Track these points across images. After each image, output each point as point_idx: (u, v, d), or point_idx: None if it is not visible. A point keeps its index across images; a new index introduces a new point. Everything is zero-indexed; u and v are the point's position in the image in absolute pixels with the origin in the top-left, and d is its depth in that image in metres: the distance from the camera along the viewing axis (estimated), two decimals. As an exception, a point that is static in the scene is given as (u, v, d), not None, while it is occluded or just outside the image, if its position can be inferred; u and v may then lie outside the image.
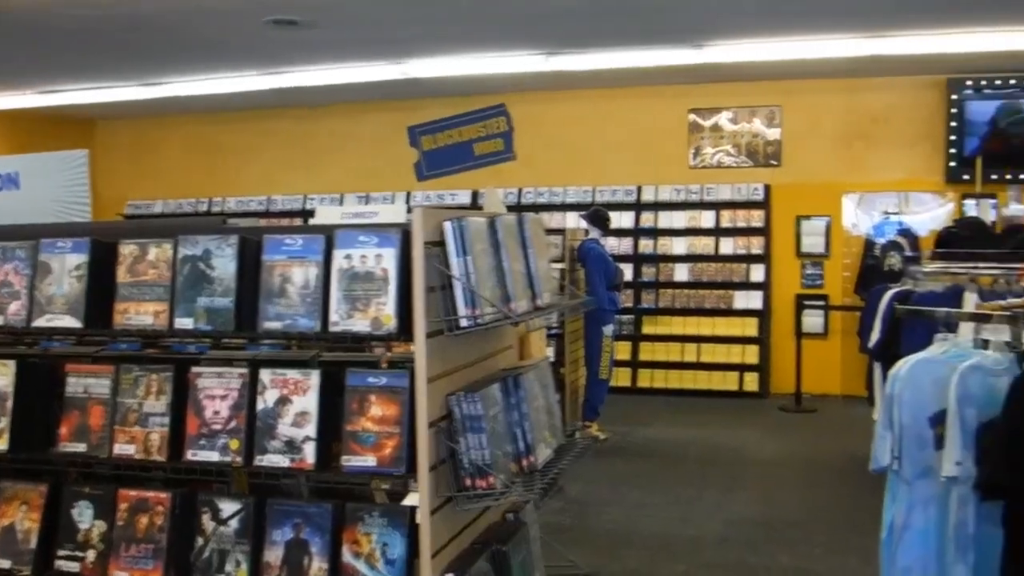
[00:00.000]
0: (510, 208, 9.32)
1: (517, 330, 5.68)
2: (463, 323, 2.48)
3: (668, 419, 8.76)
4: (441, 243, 2.51)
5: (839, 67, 9.09)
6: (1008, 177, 9.30)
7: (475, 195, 10.45)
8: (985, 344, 3.25)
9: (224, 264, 2.67)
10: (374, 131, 11.22)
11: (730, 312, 9.94)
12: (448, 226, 2.51)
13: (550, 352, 7.24)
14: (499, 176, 10.61)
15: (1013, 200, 9.21)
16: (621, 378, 9.64)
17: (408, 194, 10.92)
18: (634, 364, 10.06)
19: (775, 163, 10.09)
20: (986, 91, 9.32)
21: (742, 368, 9.82)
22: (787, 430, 8.36)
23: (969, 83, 9.32)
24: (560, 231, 7.92)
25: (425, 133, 11.03)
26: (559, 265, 7.63)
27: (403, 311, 2.48)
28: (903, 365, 3.31)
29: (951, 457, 3.06)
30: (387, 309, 2.50)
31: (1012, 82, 9.22)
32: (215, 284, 2.67)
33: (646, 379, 10.01)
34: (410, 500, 2.56)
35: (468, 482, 2.49)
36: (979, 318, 3.33)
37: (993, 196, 9.35)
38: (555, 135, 10.56)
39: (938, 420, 3.15)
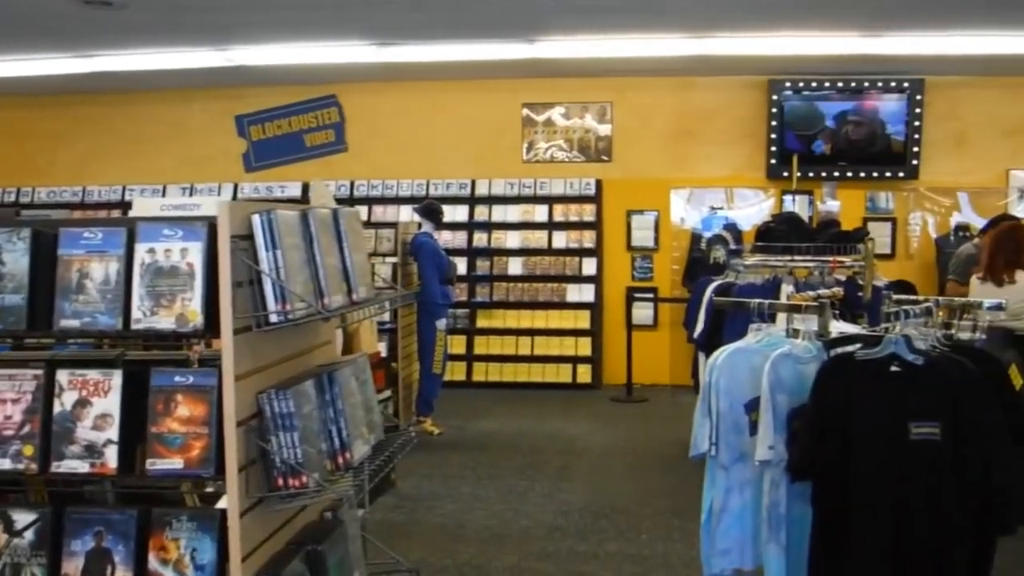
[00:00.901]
0: (341, 201, 9.14)
1: (349, 326, 5.57)
2: (272, 319, 2.40)
3: (503, 412, 8.79)
4: (250, 236, 2.41)
5: (669, 66, 9.35)
6: (823, 175, 9.81)
7: (305, 187, 10.21)
8: (796, 333, 3.39)
9: (15, 259, 2.49)
10: (200, 119, 10.76)
11: (563, 305, 10.07)
12: (256, 219, 2.41)
13: (383, 347, 7.14)
14: (331, 168, 10.41)
15: (828, 196, 9.72)
16: (455, 372, 9.61)
17: (236, 186, 10.56)
18: (468, 358, 10.06)
19: (606, 159, 10.29)
20: (804, 92, 9.78)
21: (575, 360, 9.97)
22: (618, 420, 8.54)
23: (788, 84, 9.76)
24: (393, 225, 7.83)
25: (254, 123, 10.68)
26: (391, 259, 7.54)
27: (210, 307, 2.37)
28: (720, 355, 3.40)
29: (764, 441, 3.16)
30: (193, 305, 2.38)
31: (827, 84, 9.71)
32: (5, 280, 2.48)
33: (481, 373, 10.04)
34: (223, 502, 2.46)
35: (280, 482, 2.41)
36: (790, 308, 3.46)
37: (810, 192, 9.86)
38: (388, 127, 10.43)
39: (753, 407, 3.25)
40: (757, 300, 3.56)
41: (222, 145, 10.69)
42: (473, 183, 10.29)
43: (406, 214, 9.63)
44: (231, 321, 2.34)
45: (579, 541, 5.25)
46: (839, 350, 3.20)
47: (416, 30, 8.07)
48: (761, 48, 8.44)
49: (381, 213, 10.26)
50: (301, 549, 2.64)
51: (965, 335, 3.39)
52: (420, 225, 7.79)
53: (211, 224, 2.39)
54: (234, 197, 10.17)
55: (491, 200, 10.25)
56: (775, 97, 9.79)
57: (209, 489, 2.76)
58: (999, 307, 3.38)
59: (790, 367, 3.21)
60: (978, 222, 8.79)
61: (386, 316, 7.61)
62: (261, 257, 2.40)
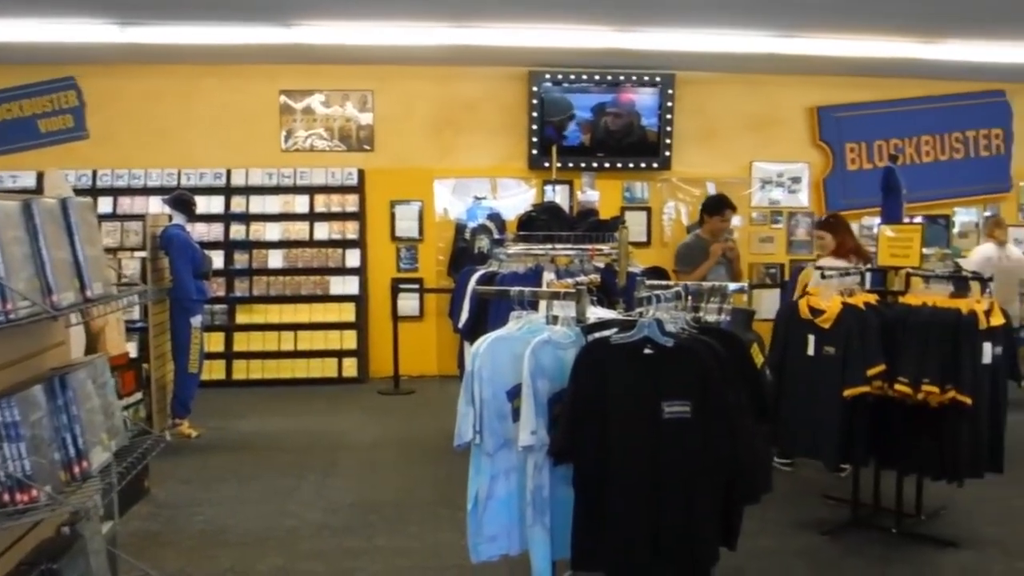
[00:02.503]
0: (83, 192, 8.55)
1: (92, 323, 5.18)
2: (-8, 318, 2.15)
3: (266, 410, 8.49)
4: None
5: (431, 55, 9.34)
6: (583, 165, 10.14)
7: (41, 177, 9.39)
8: (555, 320, 3.45)
9: None
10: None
11: (327, 298, 9.84)
12: (-32, 210, 2.15)
13: (132, 347, 6.71)
14: (72, 156, 9.63)
15: (587, 186, 10.06)
16: (214, 371, 9.21)
17: (-39, 176, 9.59)
18: (228, 355, 9.64)
19: (368, 148, 10.15)
20: (564, 84, 10.05)
21: (340, 354, 9.77)
22: (386, 413, 8.47)
23: (548, 76, 10.00)
24: (141, 217, 7.36)
25: (-22, 106, 9.74)
26: (140, 253, 7.11)
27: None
28: (482, 343, 3.40)
29: (527, 427, 3.20)
30: None
31: (584, 77, 10.02)
32: None
33: (241, 370, 9.64)
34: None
35: (7, 497, 2.19)
36: (549, 295, 3.52)
37: (570, 182, 10.16)
38: (135, 113, 9.79)
39: (515, 393, 3.28)
40: (518, 288, 3.59)
41: (-55, 130, 9.67)
42: (229, 173, 9.84)
43: (156, 206, 9.03)
44: (-59, 323, 2.08)
45: (348, 537, 5.15)
46: (596, 335, 3.29)
47: (162, 10, 7.61)
48: (520, 40, 8.58)
49: (128, 205, 9.61)
50: (34, 569, 2.41)
51: (711, 317, 3.58)
52: (171, 217, 7.36)
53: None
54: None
55: (248, 191, 9.84)
56: (535, 88, 10.00)
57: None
58: (742, 290, 3.58)
59: (550, 353, 3.27)
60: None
61: (135, 314, 7.18)
62: (-25, 252, 2.15)
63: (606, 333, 3.28)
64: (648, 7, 7.67)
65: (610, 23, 8.23)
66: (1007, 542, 5.04)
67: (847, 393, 4.69)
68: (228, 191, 9.83)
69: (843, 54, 9.03)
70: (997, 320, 4.75)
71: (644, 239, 10.35)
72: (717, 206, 7.04)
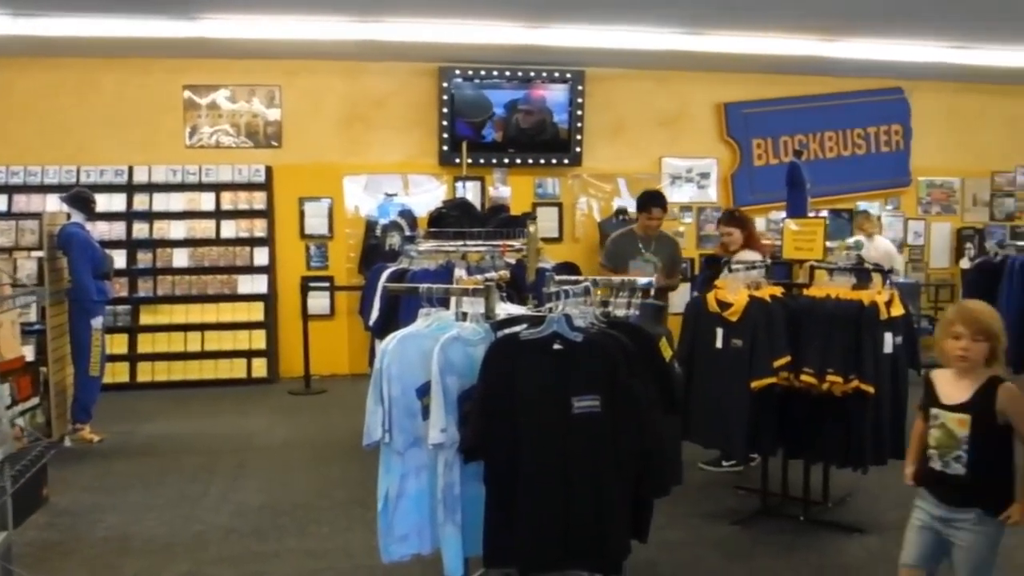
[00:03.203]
0: (-26, 189, 8.21)
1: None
2: None
3: (173, 413, 8.26)
4: None
5: (339, 50, 9.21)
6: (494, 161, 10.14)
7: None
8: (465, 316, 3.42)
9: None
10: None
11: (234, 297, 9.62)
12: None
13: (29, 350, 6.44)
14: (-38, 152, 9.26)
15: (499, 182, 10.06)
16: (117, 374, 8.90)
17: None
18: (132, 358, 9.35)
19: (276, 144, 9.95)
20: (475, 80, 10.02)
21: (250, 354, 9.57)
22: (297, 413, 8.33)
23: (458, 72, 9.95)
24: (37, 215, 7.08)
25: None
26: (37, 253, 6.84)
27: None
28: (391, 340, 3.37)
29: (436, 425, 3.18)
30: None
31: (495, 73, 10.00)
32: None
33: (147, 373, 9.37)
34: None
35: None
36: (457, 292, 3.49)
37: (482, 179, 10.15)
38: (31, 107, 9.44)
39: (425, 391, 3.25)
40: (427, 285, 3.56)
41: None
42: (131, 169, 9.54)
43: (53, 203, 8.72)
44: None
45: (257, 541, 5.03)
46: (506, 331, 3.27)
47: (59, 1, 7.33)
48: (430, 35, 8.52)
49: (24, 203, 9.26)
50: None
51: (621, 312, 3.59)
52: (69, 215, 7.11)
53: None
54: None
55: (152, 188, 9.56)
56: (446, 84, 9.95)
57: None
58: (650, 285, 3.61)
59: (459, 350, 3.24)
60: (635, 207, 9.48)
61: (32, 316, 6.90)
62: None
63: (516, 329, 3.27)
64: (558, 4, 7.70)
65: (520, 19, 8.24)
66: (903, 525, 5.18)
67: (754, 385, 4.77)
68: (130, 188, 9.54)
69: (749, 51, 9.20)
70: (897, 311, 4.88)
71: (556, 235, 10.40)
72: (644, 202, 6.98)
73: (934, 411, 3.32)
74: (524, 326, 3.25)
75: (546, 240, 9.76)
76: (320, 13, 7.94)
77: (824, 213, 10.53)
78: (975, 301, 3.52)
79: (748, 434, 4.88)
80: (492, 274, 4.18)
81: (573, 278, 3.67)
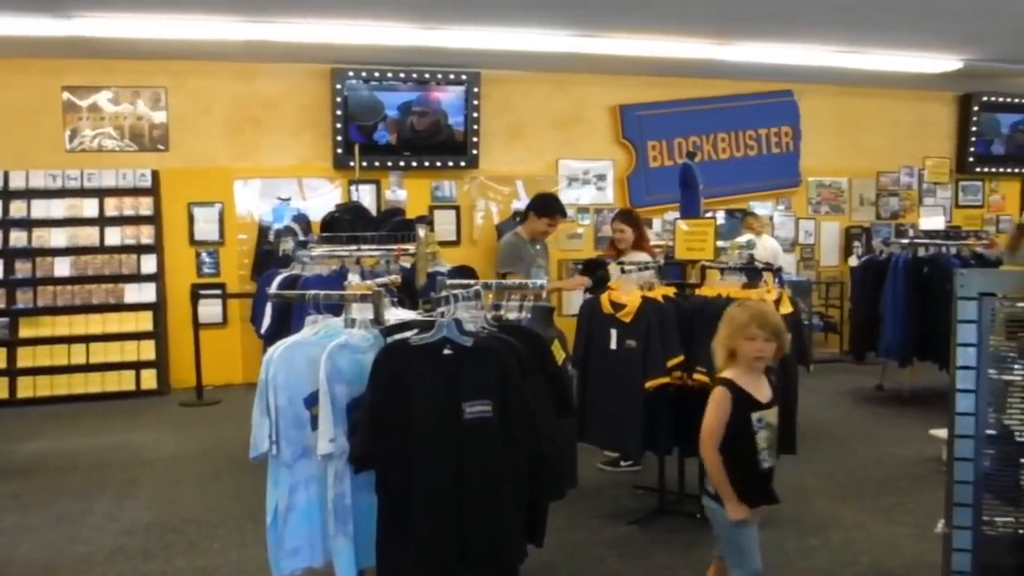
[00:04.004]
0: None
1: None
2: None
3: (56, 430, 7.90)
4: None
5: (229, 50, 8.97)
6: (390, 164, 10.03)
7: None
8: (354, 323, 3.34)
9: None
10: None
11: (121, 307, 9.24)
12: None
13: None
14: None
15: (395, 186, 9.95)
16: (-6, 389, 8.52)
17: None
18: (11, 372, 8.90)
19: (163, 148, 9.62)
20: (369, 82, 9.87)
21: (138, 366, 9.22)
22: (189, 425, 8.06)
23: (352, 73, 9.80)
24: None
25: None
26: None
27: None
28: (276, 349, 3.28)
29: (325, 435, 3.11)
30: None
31: (390, 75, 9.88)
32: None
33: (27, 388, 8.94)
34: None
35: None
36: (343, 298, 3.40)
37: (378, 182, 10.02)
38: None
39: (313, 400, 3.17)
40: (313, 291, 3.46)
41: None
42: (7, 175, 9.08)
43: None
44: None
45: (144, 560, 4.84)
46: (395, 337, 3.20)
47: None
48: (322, 36, 8.36)
49: None
50: None
51: (512, 315, 3.56)
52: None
53: None
54: None
55: (30, 194, 9.10)
56: (339, 86, 9.79)
57: None
58: (541, 287, 3.58)
59: (348, 357, 3.17)
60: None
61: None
62: None
63: (406, 335, 3.20)
64: (452, 5, 7.64)
65: (414, 20, 8.15)
66: (802, 520, 5.31)
67: (649, 385, 4.80)
68: (6, 195, 9.08)
69: (643, 54, 9.31)
70: (786, 309, 4.98)
71: (454, 238, 10.34)
72: (548, 208, 6.60)
73: (757, 414, 3.40)
74: (415, 331, 3.19)
75: (444, 243, 9.71)
76: (206, 12, 7.70)
77: (719, 213, 10.76)
78: (762, 303, 3.80)
79: (643, 434, 4.91)
80: (383, 279, 4.09)
81: (464, 282, 3.62)
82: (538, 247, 6.72)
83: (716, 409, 3.39)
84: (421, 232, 5.28)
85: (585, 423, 4.93)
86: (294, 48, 8.85)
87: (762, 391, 3.44)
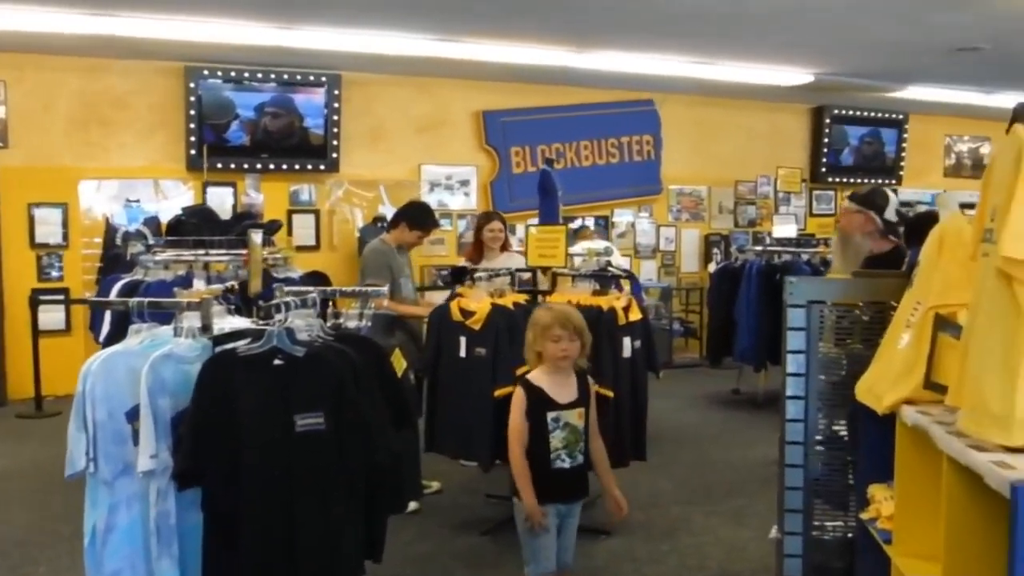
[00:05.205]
0: None
1: None
2: None
3: None
4: None
5: (74, 44, 8.50)
6: (246, 166, 9.74)
7: None
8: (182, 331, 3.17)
9: None
10: None
11: (-49, 313, 8.73)
12: None
13: None
14: None
15: (251, 188, 9.67)
16: None
17: None
18: None
19: (1, 145, 9.08)
20: (224, 81, 9.56)
21: (-29, 376, 8.71)
22: (25, 439, 7.61)
23: (207, 72, 9.48)
24: None
25: None
26: None
27: None
28: (95, 360, 3.10)
29: (146, 450, 2.93)
30: None
31: (247, 75, 9.60)
32: None
33: None
34: None
35: None
36: (170, 305, 3.23)
37: (234, 184, 9.72)
38: None
39: (135, 414, 2.99)
40: (137, 299, 3.28)
41: None
42: None
43: None
44: None
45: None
46: (225, 347, 3.06)
47: None
48: (175, 32, 8.01)
49: None
50: None
51: (352, 323, 3.46)
52: None
53: None
54: None
55: None
56: (192, 85, 9.45)
57: None
58: (379, 295, 3.50)
59: (172, 368, 3.00)
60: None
61: None
62: None
63: (239, 344, 3.06)
64: (311, 5, 7.46)
65: (271, 20, 7.93)
66: (652, 525, 5.37)
67: (498, 393, 4.75)
68: None
69: (504, 60, 9.30)
70: (635, 315, 5.04)
71: (313, 242, 10.11)
72: (422, 221, 6.16)
73: (553, 414, 3.50)
74: (247, 341, 3.05)
75: (302, 248, 9.51)
76: (48, 4, 7.29)
77: (583, 220, 10.86)
78: (563, 304, 3.98)
79: (492, 442, 4.86)
80: (217, 286, 3.93)
81: (302, 288, 3.50)
82: (404, 257, 6.53)
83: (514, 409, 3.52)
84: (256, 237, 5.10)
85: (434, 432, 4.86)
86: (146, 44, 8.46)
87: (566, 391, 3.55)
